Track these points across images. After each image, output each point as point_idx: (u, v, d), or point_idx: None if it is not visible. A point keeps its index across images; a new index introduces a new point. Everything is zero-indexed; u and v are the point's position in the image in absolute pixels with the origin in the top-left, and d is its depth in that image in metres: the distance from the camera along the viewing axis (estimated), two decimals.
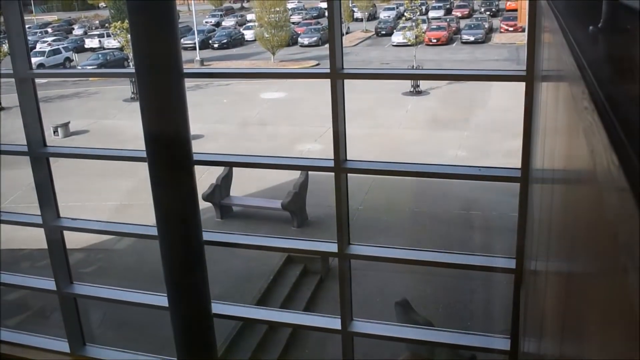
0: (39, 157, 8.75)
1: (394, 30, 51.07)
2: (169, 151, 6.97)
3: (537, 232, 4.32)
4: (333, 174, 6.99)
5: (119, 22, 41.26)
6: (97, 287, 9.57)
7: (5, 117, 32.81)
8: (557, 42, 2.90)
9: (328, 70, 6.61)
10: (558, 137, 2.82)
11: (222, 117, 29.27)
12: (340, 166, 6.86)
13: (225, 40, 53.44)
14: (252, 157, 8.10)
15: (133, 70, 7.06)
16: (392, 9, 64.28)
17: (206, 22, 64.84)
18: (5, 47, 40.21)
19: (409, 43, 39.64)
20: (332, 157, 6.85)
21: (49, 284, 9.70)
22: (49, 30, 68.32)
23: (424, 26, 45.97)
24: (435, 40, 48.10)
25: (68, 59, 48.49)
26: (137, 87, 7.06)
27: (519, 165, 5.96)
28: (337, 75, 6.59)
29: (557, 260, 2.66)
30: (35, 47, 48.10)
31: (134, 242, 15.58)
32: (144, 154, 7.24)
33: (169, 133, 6.89)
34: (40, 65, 43.17)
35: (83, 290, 9.55)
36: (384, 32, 54.62)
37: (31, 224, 9.45)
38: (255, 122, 28.95)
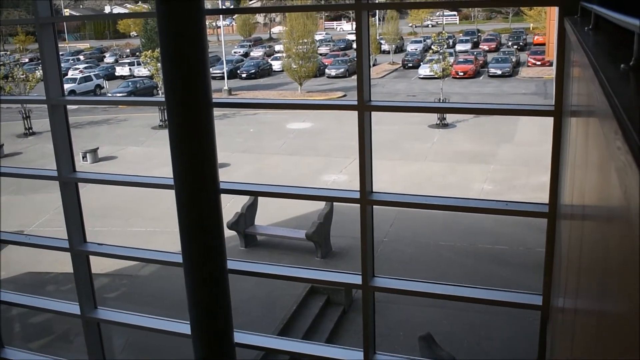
0: (68, 182, 8.87)
1: (421, 63, 51.27)
2: (196, 179, 7.02)
3: (566, 268, 4.26)
4: (358, 205, 6.98)
5: (150, 51, 41.97)
6: (121, 313, 9.59)
7: (35, 142, 33.42)
8: (587, 78, 2.89)
9: (356, 102, 6.63)
10: (588, 173, 2.80)
11: (248, 147, 29.48)
12: (366, 198, 6.84)
13: (253, 71, 54.06)
14: (277, 187, 8.12)
15: (163, 99, 7.16)
16: (420, 41, 64.62)
17: (235, 52, 65.74)
18: (38, 74, 41.14)
19: (436, 76, 39.70)
20: (358, 189, 6.84)
21: (74, 308, 9.75)
22: (81, 57, 69.72)
23: (451, 59, 46.07)
24: (462, 73, 48.16)
25: (99, 86, 49.36)
26: (166, 115, 7.15)
27: (547, 200, 5.90)
28: (364, 107, 6.62)
29: (588, 299, 2.62)
30: (67, 74, 49.08)
31: (158, 269, 15.65)
32: (172, 182, 7.30)
33: (197, 161, 6.95)
34: (72, 92, 44.03)
35: (107, 315, 9.58)
36: (410, 65, 54.85)
37: (58, 247, 9.54)
38: (282, 151, 29.08)
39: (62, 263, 15.98)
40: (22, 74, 39.47)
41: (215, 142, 7.07)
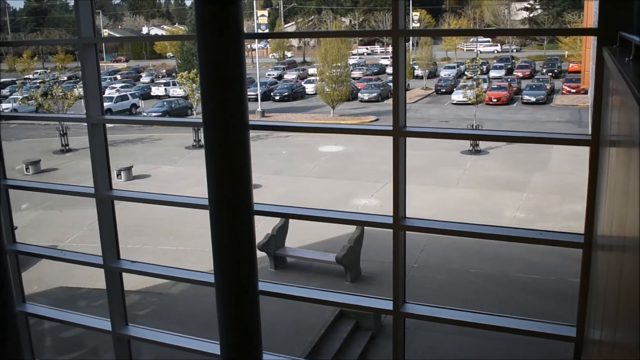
0: (105, 199, 9.01)
1: (454, 89, 51.18)
2: (231, 200, 7.09)
3: (603, 300, 4.20)
4: (389, 230, 6.97)
5: (186, 72, 42.56)
6: (152, 331, 9.66)
7: (71, 159, 34.03)
8: (628, 107, 2.88)
9: (391, 128, 6.66)
10: (630, 204, 2.78)
11: (280, 168, 29.63)
12: (399, 223, 6.84)
13: (286, 93, 54.50)
14: (310, 210, 8.14)
15: (199, 120, 7.26)
16: (453, 67, 64.58)
17: (269, 75, 66.38)
18: (76, 92, 41.98)
19: (469, 102, 39.57)
20: (389, 213, 6.84)
21: (105, 324, 9.85)
22: (118, 77, 71.02)
23: (485, 85, 45.93)
24: (495, 100, 47.95)
25: (134, 105, 50.16)
26: (202, 136, 7.25)
27: (581, 230, 5.83)
28: (399, 133, 6.64)
29: (628, 332, 2.59)
30: (104, 93, 49.99)
31: (188, 287, 15.75)
32: (206, 202, 7.38)
33: (232, 183, 7.02)
34: (108, 111, 44.79)
35: (137, 332, 9.65)
36: (444, 90, 54.79)
37: (92, 264, 9.67)
38: (313, 174, 29.17)
39: (94, 279, 16.20)
40: (61, 92, 40.28)
41: (250, 164, 7.14)
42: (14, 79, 63.23)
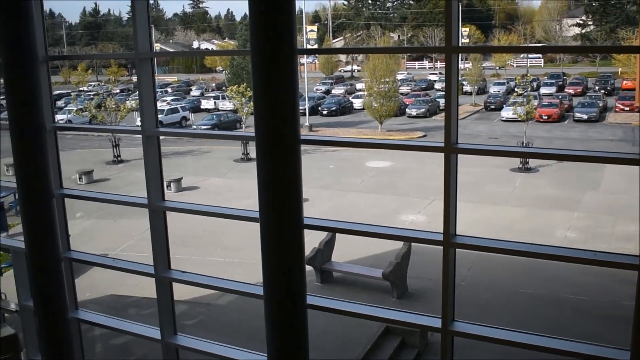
0: (157, 210, 9.19)
1: (504, 105, 50.61)
2: (281, 214, 7.16)
3: None
4: (436, 247, 6.94)
5: (235, 85, 43.12)
6: (199, 340, 9.77)
7: (123, 169, 34.77)
8: None
9: (442, 144, 6.64)
10: None
11: (327, 183, 29.71)
12: (450, 240, 6.81)
13: (334, 108, 54.70)
14: (359, 225, 8.15)
15: (251, 134, 7.37)
16: (503, 83, 63.90)
17: (316, 90, 66.73)
18: (128, 104, 42.92)
19: (519, 119, 39.08)
20: (437, 230, 6.81)
21: (154, 333, 10.01)
22: (169, 90, 72.32)
23: (535, 102, 45.30)
24: (546, 117, 47.25)
25: (185, 118, 51.02)
26: (251, 149, 7.35)
27: (635, 252, 5.72)
28: (451, 149, 6.63)
29: None
30: None
31: (235, 299, 15.89)
32: (257, 214, 7.47)
33: (283, 196, 7.10)
34: (159, 123, 45.65)
35: (186, 342, 9.78)
36: (493, 107, 54.22)
37: (143, 273, 9.85)
38: (360, 189, 29.17)
39: (144, 288, 16.48)
40: (114, 104, 41.25)
41: (301, 178, 7.21)
42: (69, 91, 64.97)
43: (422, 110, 52.04)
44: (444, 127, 6.71)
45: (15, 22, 9.65)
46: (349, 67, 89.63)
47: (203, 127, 45.95)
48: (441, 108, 51.68)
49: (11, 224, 21.69)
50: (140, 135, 9.21)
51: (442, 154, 6.75)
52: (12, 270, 14.61)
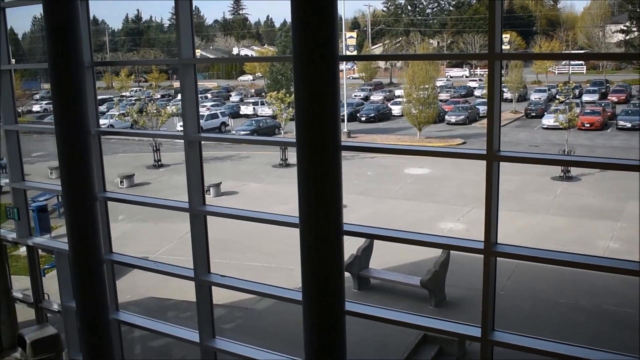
0: (198, 214, 9.29)
1: (545, 113, 49.87)
2: (321, 220, 7.19)
3: None
4: (475, 255, 6.89)
5: (275, 92, 43.33)
6: (238, 344, 9.85)
7: (163, 174, 35.19)
8: None
9: (484, 151, 6.60)
10: None
11: (365, 189, 29.64)
12: (491, 249, 6.75)
13: (372, 114, 54.56)
14: (399, 232, 8.14)
15: (292, 140, 7.41)
16: (544, 90, 62.99)
17: (355, 96, 66.67)
18: (169, 109, 43.46)
19: (561, 126, 38.47)
20: (476, 238, 6.76)
21: (193, 336, 10.13)
22: (209, 95, 73.00)
23: (577, 110, 44.53)
24: (588, 125, 46.39)
25: (224, 124, 51.42)
26: (288, 155, 7.39)
27: None
28: (493, 157, 6.58)
29: None
30: None
31: (273, 304, 15.94)
32: (296, 220, 7.51)
33: (324, 202, 7.12)
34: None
35: (224, 345, 9.87)
36: (534, 114, 53.46)
37: (184, 276, 9.97)
38: (398, 196, 29.03)
39: (183, 291, 16.64)
40: (155, 109, 41.81)
41: (341, 184, 7.23)
42: (111, 96, 66.09)
43: (462, 117, 51.58)
44: (483, 135, 6.68)
45: (62, 28, 9.88)
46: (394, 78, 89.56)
47: (242, 132, 46.27)
48: (481, 115, 51.16)
49: (54, 225, 22.14)
50: (181, 140, 9.35)
51: (482, 162, 6.71)
52: (54, 271, 14.90)
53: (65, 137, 10.15)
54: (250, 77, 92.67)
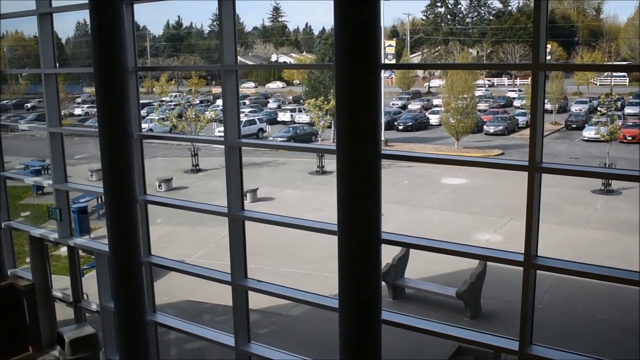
0: (237, 219, 9.37)
1: (586, 125, 49.12)
2: (360, 228, 7.19)
3: None
4: (512, 267, 6.82)
5: (313, 99, 43.48)
6: (272, 350, 9.89)
7: (201, 178, 35.55)
8: None
9: (526, 162, 6.54)
10: None
11: (401, 198, 29.51)
12: (531, 262, 6.68)
13: (410, 123, 54.37)
14: (438, 242, 8.10)
15: (332, 147, 7.44)
16: (585, 102, 62.04)
17: (393, 104, 66.52)
18: (208, 114, 43.88)
19: (602, 139, 37.84)
20: (514, 250, 6.70)
21: (229, 340, 10.19)
22: (247, 102, 73.54)
23: (619, 122, 43.74)
24: (630, 138, 45.54)
25: (261, 130, 51.74)
26: (329, 163, 7.43)
27: None
28: (535, 168, 6.51)
29: None
30: None
31: (307, 310, 15.94)
32: (335, 227, 7.52)
33: (363, 210, 7.12)
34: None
35: (259, 350, 9.92)
36: (574, 126, 52.68)
37: (221, 280, 10.05)
38: (435, 206, 28.85)
39: (218, 295, 16.78)
40: (194, 114, 42.26)
41: (381, 192, 7.23)
42: (151, 100, 67.02)
43: (500, 127, 51.05)
44: (522, 145, 6.63)
45: (108, 33, 10.08)
46: (437, 82, 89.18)
47: (279, 139, 46.49)
48: (519, 126, 50.59)
49: (93, 227, 22.50)
50: (219, 146, 9.45)
51: (520, 173, 6.65)
52: (93, 272, 15.14)
53: (109, 140, 10.33)
54: (279, 84, 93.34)
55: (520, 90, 72.13)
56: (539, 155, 6.56)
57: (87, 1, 10.23)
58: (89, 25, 10.42)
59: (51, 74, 12.97)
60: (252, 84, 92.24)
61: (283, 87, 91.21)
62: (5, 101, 60.74)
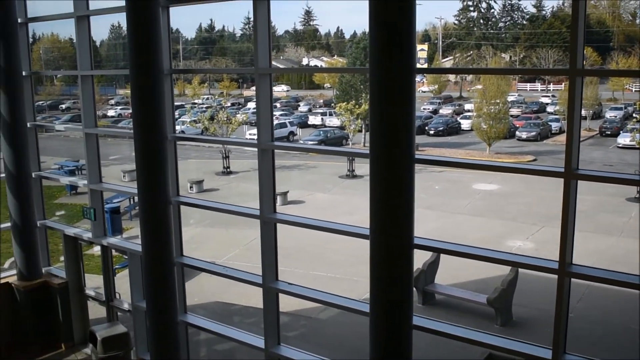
0: (269, 221, 9.40)
1: (621, 131, 48.40)
2: (392, 232, 7.17)
3: None
4: (544, 274, 6.74)
5: (344, 103, 43.49)
6: (302, 353, 9.90)
7: (231, 180, 35.76)
8: None
9: (562, 169, 6.47)
10: None
11: (432, 203, 29.34)
12: (566, 269, 6.59)
13: (441, 128, 54.08)
14: (471, 248, 8.03)
15: (365, 151, 7.43)
16: (620, 108, 61.11)
17: (424, 109, 66.22)
18: (239, 117, 44.13)
19: (637, 146, 37.26)
20: (546, 257, 6.62)
21: (259, 342, 10.23)
22: (278, 105, 73.77)
23: None
24: None
25: (292, 133, 51.88)
26: (359, 167, 7.42)
27: None
28: (572, 175, 6.44)
29: None
30: None
31: (337, 314, 15.95)
32: (366, 231, 7.51)
33: (396, 214, 7.10)
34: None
35: (288, 353, 9.93)
36: (608, 132, 51.90)
37: (252, 282, 10.10)
38: (466, 211, 28.62)
39: (247, 297, 16.86)
40: (226, 117, 42.54)
41: (414, 197, 7.20)
42: (182, 103, 67.63)
43: (533, 133, 50.49)
44: (555, 152, 6.56)
45: (144, 36, 10.21)
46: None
47: (310, 142, 46.55)
48: (553, 132, 50.01)
49: (125, 227, 22.78)
50: (250, 148, 9.50)
51: (553, 180, 6.58)
52: (124, 271, 15.31)
53: (144, 141, 10.45)
54: (285, 87, 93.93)
55: (553, 96, 71.35)
56: (575, 162, 6.48)
57: (123, 4, 10.38)
58: (126, 28, 10.57)
59: (88, 75, 13.17)
60: (285, 87, 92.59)
61: (287, 91, 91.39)
62: (41, 102, 61.80)
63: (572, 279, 7.04)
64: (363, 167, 33.09)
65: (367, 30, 6.78)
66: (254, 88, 10.88)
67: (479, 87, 76.64)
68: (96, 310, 15.06)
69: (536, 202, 27.64)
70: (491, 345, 8.17)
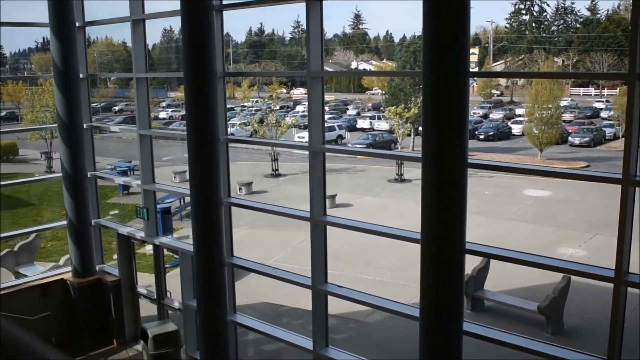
0: (319, 224, 9.45)
1: None
2: (444, 237, 7.13)
3: None
4: (596, 283, 6.61)
5: (393, 106, 43.36)
6: (350, 355, 9.91)
7: (279, 183, 35.99)
8: None
9: (619, 175, 6.35)
10: None
11: (482, 209, 28.99)
12: (622, 278, 6.46)
13: (491, 133, 53.42)
14: (523, 254, 7.93)
15: (417, 155, 7.41)
16: None
17: (474, 113, 65.49)
18: (288, 120, 44.39)
19: None
20: (599, 265, 6.49)
21: (307, 343, 10.28)
22: (326, 108, 73.88)
23: None
24: None
25: (340, 136, 51.93)
26: (408, 171, 7.40)
27: None
28: (630, 182, 6.30)
29: None
30: None
31: (384, 317, 15.89)
32: (418, 235, 7.48)
33: (448, 219, 7.06)
34: None
35: (336, 355, 9.96)
36: None
37: (301, 284, 10.15)
38: (516, 218, 28.20)
39: (294, 298, 16.95)
40: (275, 120, 42.86)
41: (466, 202, 7.15)
42: (232, 105, 68.41)
43: (586, 139, 49.43)
44: (609, 158, 6.45)
45: (198, 39, 10.38)
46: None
47: (358, 146, 46.53)
48: (606, 137, 48.93)
49: (176, 227, 23.14)
50: (299, 151, 9.55)
51: (606, 186, 6.47)
52: (175, 270, 15.55)
53: (197, 143, 10.62)
54: (302, 90, 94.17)
55: (607, 101, 69.83)
56: (633, 168, 6.35)
57: (178, 8, 10.57)
58: (180, 31, 10.76)
59: (142, 78, 13.44)
60: (302, 90, 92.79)
61: (305, 94, 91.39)
62: (95, 104, 63.31)
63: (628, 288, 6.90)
64: (412, 171, 32.94)
65: (417, 34, 6.80)
66: (300, 90, 10.99)
67: (516, 94, 75.36)
68: (147, 308, 15.34)
69: (588, 209, 27.09)
70: (544, 353, 8.03)
